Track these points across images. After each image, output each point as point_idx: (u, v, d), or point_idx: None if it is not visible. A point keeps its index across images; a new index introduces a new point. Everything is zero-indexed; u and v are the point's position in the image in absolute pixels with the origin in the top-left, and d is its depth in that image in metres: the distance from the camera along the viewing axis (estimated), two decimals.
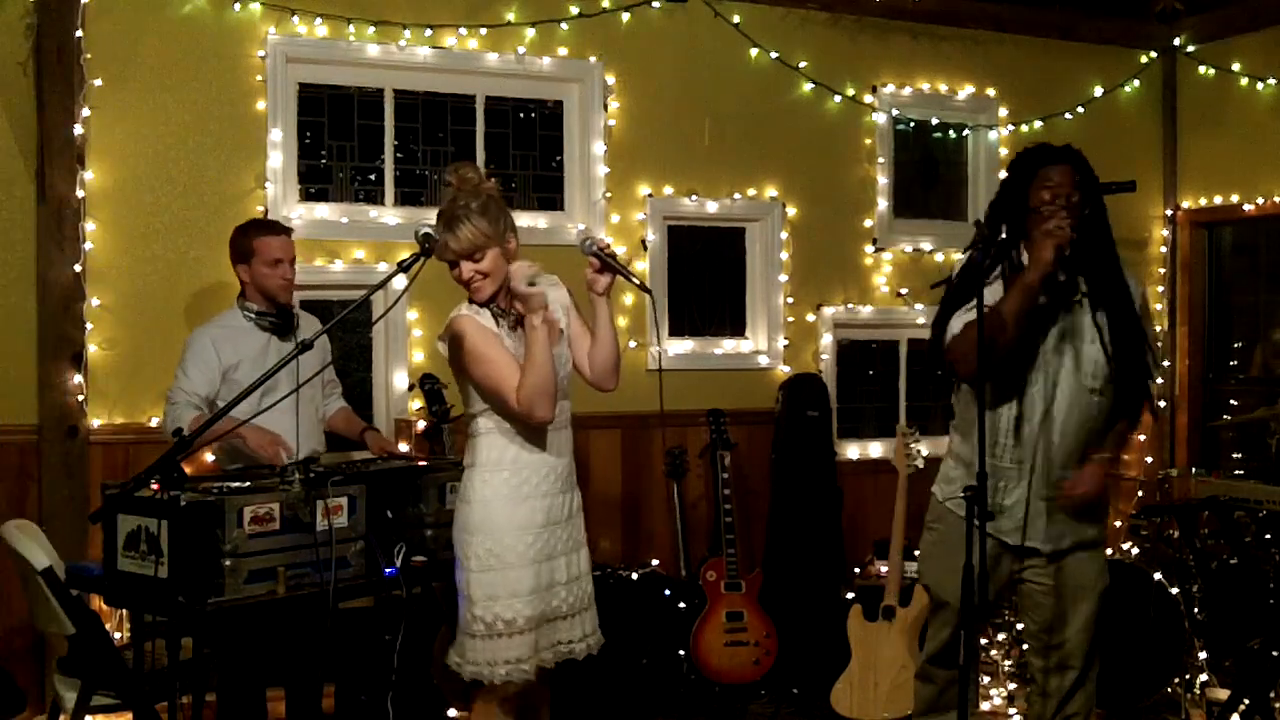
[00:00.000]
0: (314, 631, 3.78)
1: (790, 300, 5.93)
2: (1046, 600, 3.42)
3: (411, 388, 5.13)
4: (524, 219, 5.30)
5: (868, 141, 6.09)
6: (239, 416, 3.57)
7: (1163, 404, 6.77)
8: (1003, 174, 3.45)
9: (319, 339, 3.45)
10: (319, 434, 4.33)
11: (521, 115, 5.59)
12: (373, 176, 5.35)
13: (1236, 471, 5.82)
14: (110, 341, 4.78)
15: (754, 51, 5.80)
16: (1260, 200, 6.34)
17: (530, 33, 5.38)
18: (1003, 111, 6.39)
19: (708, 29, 5.71)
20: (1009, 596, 3.56)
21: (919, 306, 6.14)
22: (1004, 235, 3.25)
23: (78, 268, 4.66)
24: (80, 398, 4.67)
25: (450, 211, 3.25)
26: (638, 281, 3.19)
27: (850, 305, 6.05)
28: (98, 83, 4.71)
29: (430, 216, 3.37)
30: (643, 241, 5.63)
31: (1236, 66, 6.39)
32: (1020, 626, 4.75)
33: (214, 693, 3.89)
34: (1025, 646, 3.59)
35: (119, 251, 4.79)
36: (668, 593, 5.07)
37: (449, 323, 3.27)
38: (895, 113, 6.16)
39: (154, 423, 4.77)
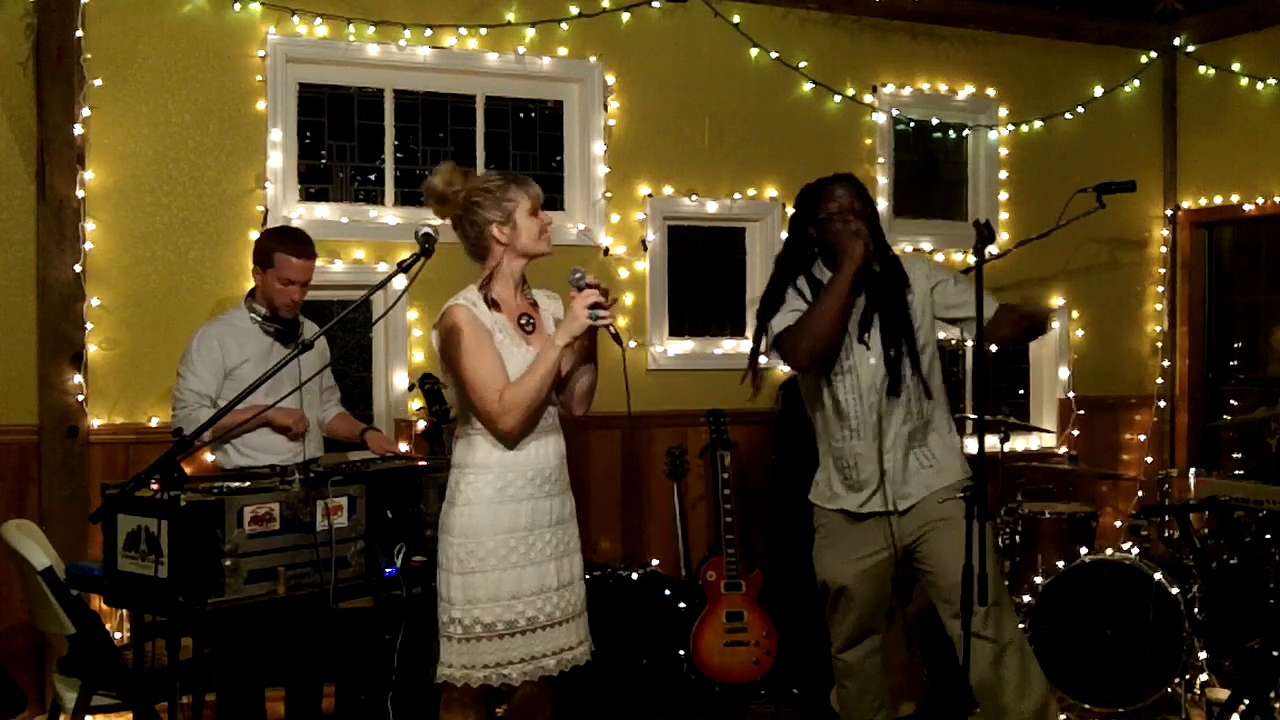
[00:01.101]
0: (314, 631, 3.78)
1: None
2: (929, 549, 3.65)
3: (411, 388, 5.14)
4: None
5: (868, 141, 6.09)
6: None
7: (1162, 404, 6.78)
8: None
9: (319, 344, 3.47)
10: (319, 439, 4.33)
11: (521, 115, 5.59)
12: (373, 176, 5.35)
13: (1236, 471, 5.82)
14: (110, 341, 4.78)
15: (754, 51, 5.81)
16: (1260, 200, 6.34)
17: (530, 33, 5.38)
18: (1003, 111, 6.39)
19: (708, 29, 5.71)
20: (910, 576, 3.87)
21: None
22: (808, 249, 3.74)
23: (78, 268, 4.66)
24: (80, 398, 4.67)
25: (516, 175, 3.32)
26: (614, 331, 3.18)
27: None
28: (98, 83, 4.71)
29: (430, 216, 3.36)
30: (643, 241, 5.63)
31: (1236, 66, 6.39)
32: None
33: (214, 693, 3.89)
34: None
35: (119, 251, 4.80)
36: (668, 593, 5.07)
37: (444, 311, 3.21)
38: (895, 113, 6.16)
39: (154, 423, 4.78)
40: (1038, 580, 5.01)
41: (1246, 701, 4.08)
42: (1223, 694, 4.56)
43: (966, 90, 6.31)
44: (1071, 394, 6.53)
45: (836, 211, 3.65)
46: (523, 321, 3.29)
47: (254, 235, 4.90)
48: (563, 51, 5.47)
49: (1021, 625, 4.72)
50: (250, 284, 4.26)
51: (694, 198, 5.73)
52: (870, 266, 3.59)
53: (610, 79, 5.55)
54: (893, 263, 3.72)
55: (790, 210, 5.85)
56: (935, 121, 6.34)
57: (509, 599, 3.17)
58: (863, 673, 3.84)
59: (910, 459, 3.68)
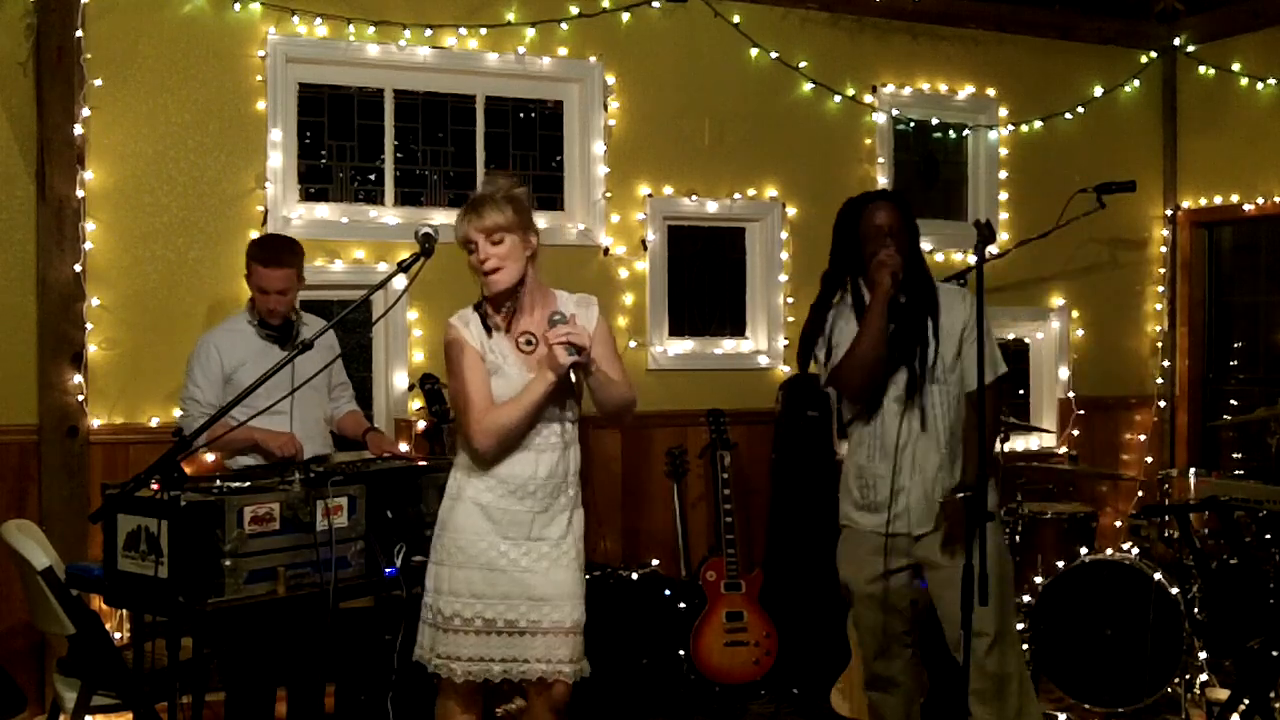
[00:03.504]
0: (314, 631, 3.78)
1: (790, 300, 5.93)
2: (938, 574, 3.66)
3: (411, 388, 5.14)
4: None
5: (868, 141, 6.09)
6: (241, 417, 3.60)
7: (1162, 404, 6.77)
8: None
9: (325, 341, 3.46)
10: (323, 436, 4.33)
11: (521, 115, 5.59)
12: (373, 176, 5.35)
13: (1236, 471, 5.82)
14: (110, 341, 4.78)
15: (754, 51, 5.80)
16: (1260, 200, 6.34)
17: (530, 33, 5.38)
18: (1003, 111, 6.39)
19: (708, 29, 5.71)
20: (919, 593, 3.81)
21: None
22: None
23: (78, 268, 4.66)
24: (80, 398, 4.67)
25: (478, 196, 3.26)
26: (582, 360, 3.23)
27: None
28: (98, 83, 4.71)
29: (430, 216, 3.38)
30: (643, 241, 5.63)
31: (1236, 66, 6.39)
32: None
33: (214, 693, 3.89)
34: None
35: (119, 251, 4.79)
36: (668, 593, 5.07)
37: (447, 324, 3.29)
38: (895, 113, 6.16)
39: (154, 423, 4.78)
40: (1038, 580, 5.01)
41: (1246, 701, 4.08)
42: (1223, 694, 4.56)
43: (966, 90, 6.31)
44: (1072, 394, 6.53)
45: (872, 235, 3.63)
46: (522, 341, 3.28)
47: (254, 235, 4.91)
48: (563, 51, 5.47)
49: (1021, 625, 4.73)
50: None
51: (694, 198, 5.73)
52: (898, 297, 3.59)
53: (610, 79, 5.55)
54: (926, 290, 3.69)
55: (791, 210, 5.93)
56: (935, 121, 6.34)
57: (469, 597, 3.22)
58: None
59: (934, 489, 3.65)
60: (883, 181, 6.10)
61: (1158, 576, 4.74)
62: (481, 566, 3.22)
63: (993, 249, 3.45)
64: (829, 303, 3.77)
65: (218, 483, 3.45)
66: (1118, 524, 6.55)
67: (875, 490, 3.68)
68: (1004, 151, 6.41)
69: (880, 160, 6.10)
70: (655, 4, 5.58)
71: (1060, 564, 5.04)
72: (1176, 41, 6.64)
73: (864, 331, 3.59)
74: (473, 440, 3.20)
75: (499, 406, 3.18)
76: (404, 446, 4.93)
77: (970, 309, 3.69)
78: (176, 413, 4.24)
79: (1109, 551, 5.03)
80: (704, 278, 5.92)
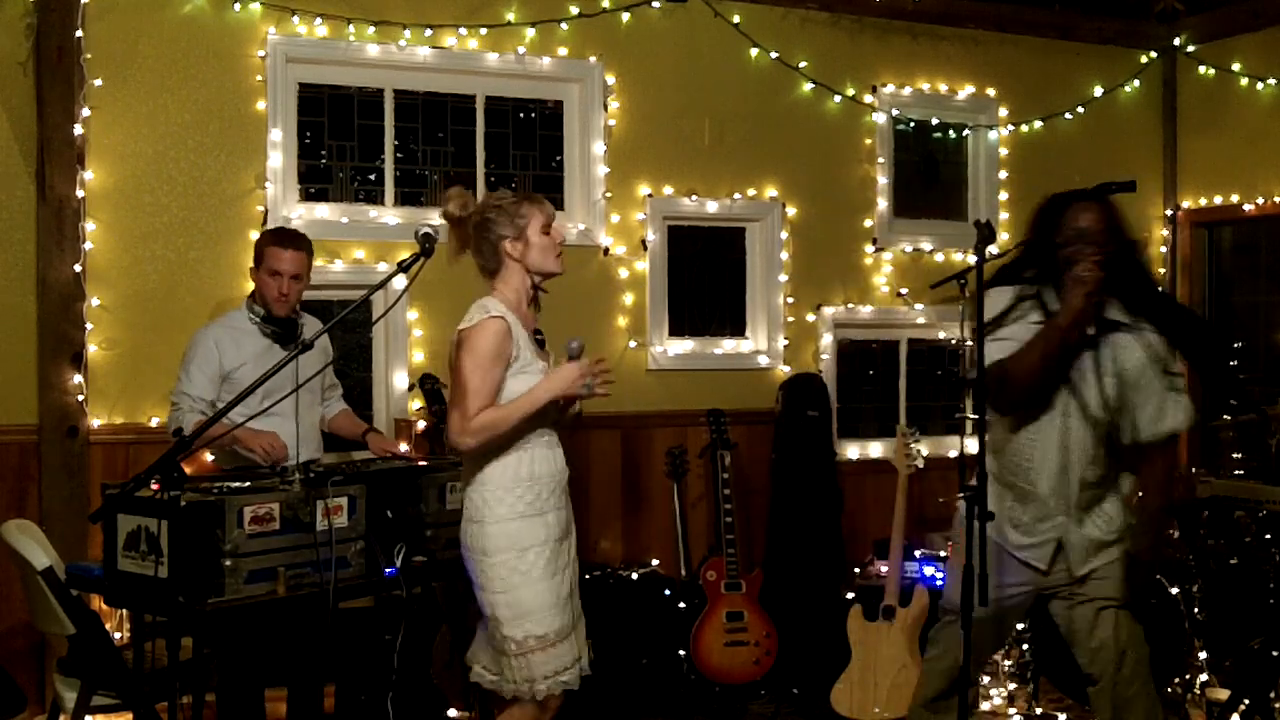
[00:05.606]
0: (314, 631, 3.78)
1: (790, 300, 5.93)
2: (1073, 614, 3.47)
3: (411, 388, 5.14)
4: None
5: (868, 141, 6.09)
6: (239, 418, 3.59)
7: None
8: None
9: (320, 343, 3.46)
10: (318, 438, 4.33)
11: (521, 115, 5.59)
12: (373, 176, 5.35)
13: (1236, 471, 5.81)
14: (110, 341, 4.78)
15: (754, 51, 5.81)
16: (1260, 200, 6.34)
17: (530, 33, 5.38)
18: (1003, 111, 6.39)
19: (708, 29, 5.71)
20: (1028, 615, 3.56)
21: (919, 306, 6.15)
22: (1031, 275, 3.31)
23: (78, 268, 4.66)
24: (80, 398, 4.67)
25: (514, 193, 3.36)
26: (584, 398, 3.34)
27: (850, 305, 6.05)
28: (98, 83, 4.71)
29: (430, 216, 3.38)
30: (643, 241, 5.63)
31: (1236, 66, 6.39)
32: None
33: (214, 693, 3.89)
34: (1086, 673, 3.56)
35: (119, 251, 4.80)
36: (668, 593, 5.07)
37: (483, 321, 3.18)
38: (895, 113, 6.16)
39: (154, 423, 4.78)
40: None
41: (1246, 701, 4.08)
42: (1223, 694, 4.56)
43: (966, 90, 6.31)
44: None
45: (1072, 240, 3.19)
46: (538, 337, 3.38)
47: (254, 235, 4.91)
48: (563, 51, 5.47)
49: (1021, 625, 4.73)
50: (251, 284, 4.26)
51: (694, 198, 5.73)
52: (1093, 317, 3.19)
53: (610, 79, 5.55)
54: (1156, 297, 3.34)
55: (791, 210, 5.94)
56: (935, 121, 6.34)
57: (554, 606, 3.23)
58: None
59: (1088, 523, 3.38)
60: (883, 182, 6.10)
61: (1158, 576, 4.73)
62: (551, 576, 3.25)
63: (993, 249, 3.32)
64: (1010, 284, 3.33)
65: (218, 483, 3.46)
66: None
67: (1034, 519, 3.37)
68: (1004, 151, 6.41)
69: (880, 160, 6.10)
70: (655, 4, 5.58)
71: None
72: (1176, 41, 6.64)
73: (1038, 345, 3.15)
74: (461, 434, 3.16)
75: (496, 409, 3.19)
76: (404, 446, 4.93)
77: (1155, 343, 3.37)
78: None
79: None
80: (704, 278, 5.92)
